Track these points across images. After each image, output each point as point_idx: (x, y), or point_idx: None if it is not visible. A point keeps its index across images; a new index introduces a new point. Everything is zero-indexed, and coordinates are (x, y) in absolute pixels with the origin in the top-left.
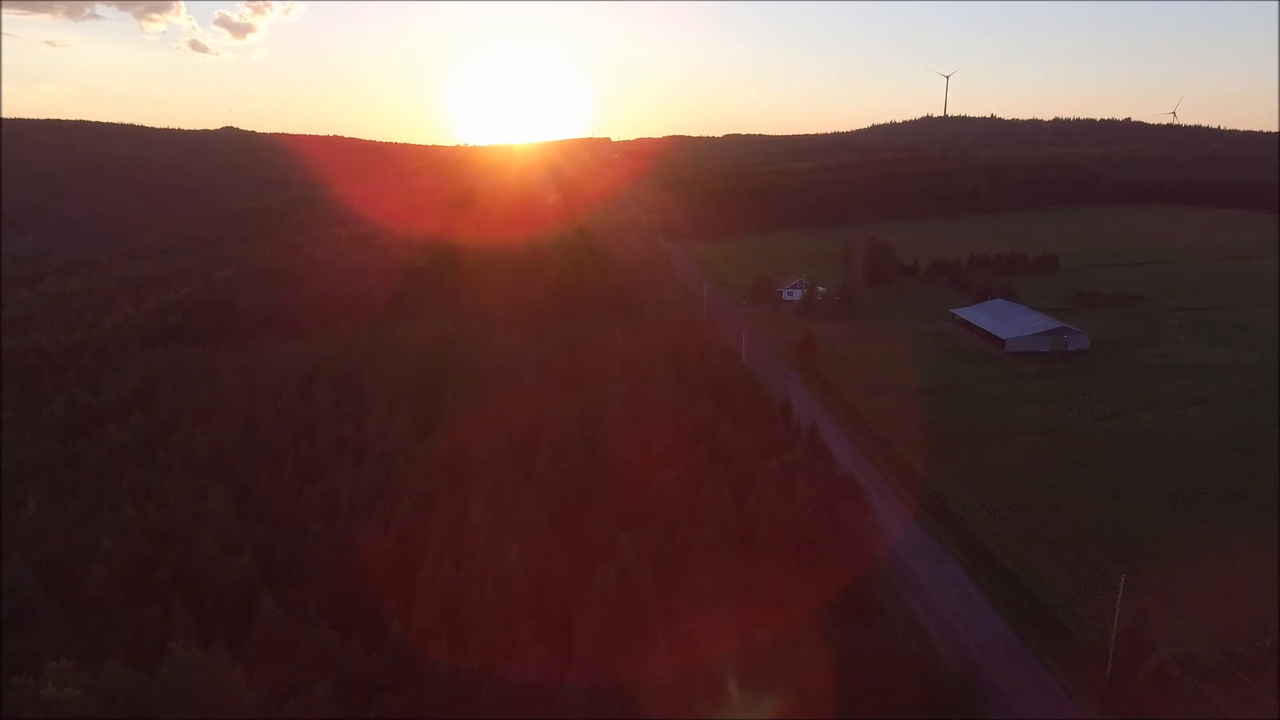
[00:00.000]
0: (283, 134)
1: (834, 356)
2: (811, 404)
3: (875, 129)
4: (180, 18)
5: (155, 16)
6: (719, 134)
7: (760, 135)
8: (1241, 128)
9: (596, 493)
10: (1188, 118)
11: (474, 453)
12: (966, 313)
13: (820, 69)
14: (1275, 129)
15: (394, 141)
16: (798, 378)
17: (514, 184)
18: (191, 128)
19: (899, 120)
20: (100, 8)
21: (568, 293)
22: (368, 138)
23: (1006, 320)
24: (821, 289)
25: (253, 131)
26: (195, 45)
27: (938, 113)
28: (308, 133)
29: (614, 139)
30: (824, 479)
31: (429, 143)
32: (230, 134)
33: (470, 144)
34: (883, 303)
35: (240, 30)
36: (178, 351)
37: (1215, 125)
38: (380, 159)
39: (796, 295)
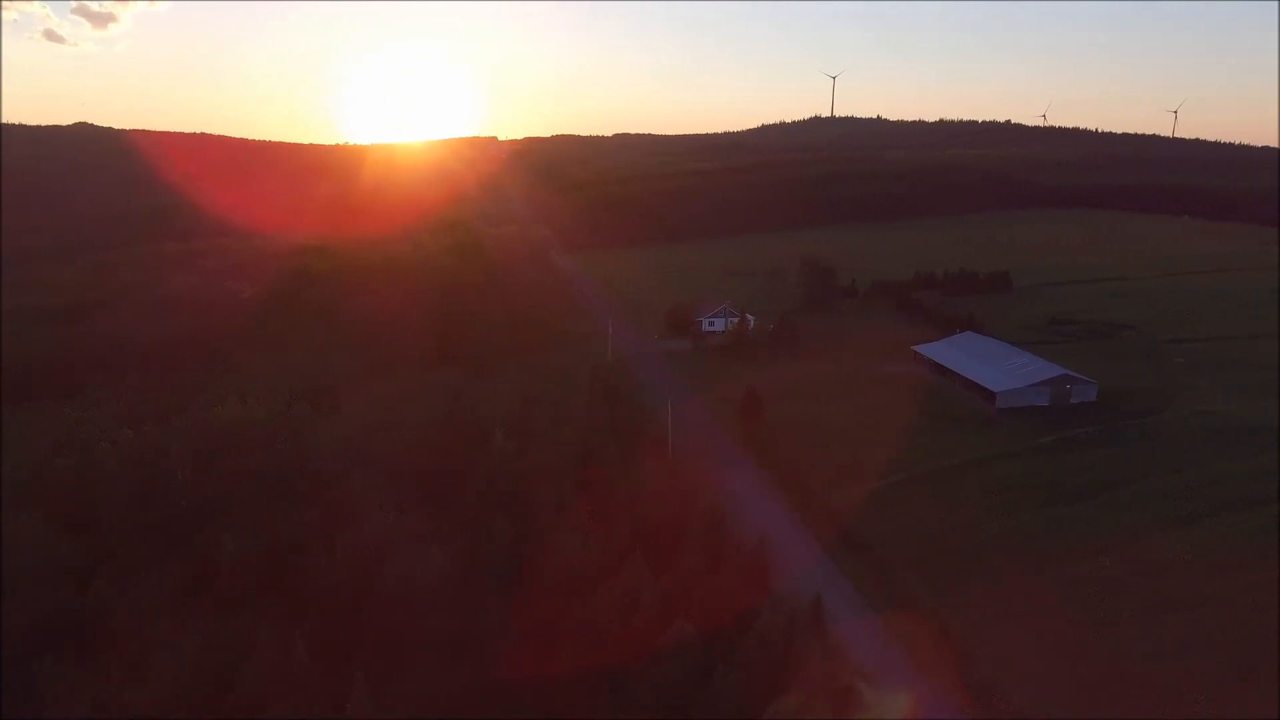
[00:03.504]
0: (144, 130)
1: (790, 423)
2: (783, 521)
3: (766, 128)
4: (34, 5)
5: (7, 4)
6: (608, 133)
7: (651, 135)
8: (1117, 130)
9: None
10: (1057, 120)
11: (250, 668)
12: (934, 351)
13: (706, 68)
14: (1148, 132)
15: (270, 140)
16: (750, 462)
17: (394, 187)
18: (39, 123)
19: (788, 120)
20: None
21: (446, 330)
22: (241, 135)
23: (989, 363)
24: (752, 317)
25: (110, 128)
26: (50, 35)
27: (825, 113)
28: (174, 130)
29: (501, 138)
30: None
31: (308, 141)
32: (84, 131)
33: (353, 142)
34: (826, 335)
35: (101, 20)
36: None
37: (1093, 128)
38: (253, 158)
39: (719, 326)
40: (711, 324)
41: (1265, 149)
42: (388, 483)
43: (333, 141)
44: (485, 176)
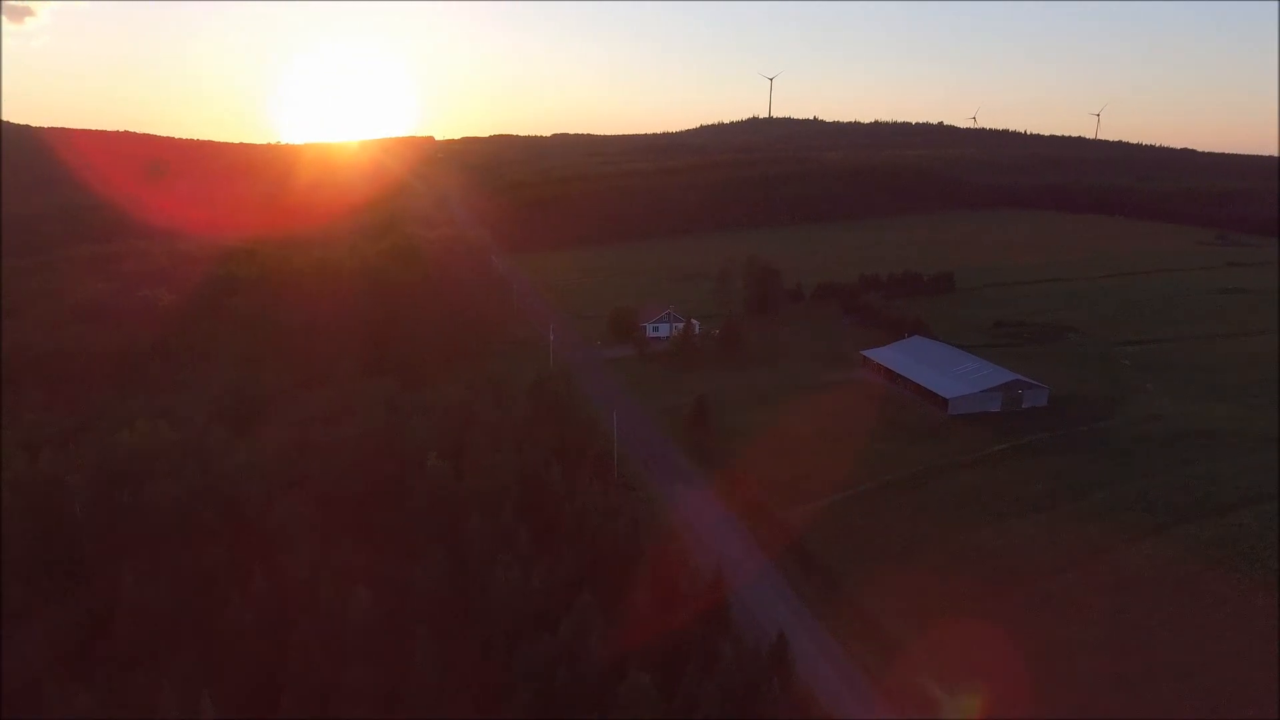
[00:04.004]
0: (63, 128)
1: (740, 433)
2: (738, 543)
3: (705, 129)
4: None
5: None
6: (547, 133)
7: (590, 135)
8: (1044, 131)
9: None
10: (986, 122)
11: None
12: (883, 356)
13: (643, 68)
14: (1073, 134)
15: (198, 138)
16: (701, 477)
17: (328, 187)
18: None
19: (727, 121)
20: None
21: (381, 339)
22: (167, 134)
23: (939, 369)
24: (697, 322)
25: (27, 126)
26: None
27: (763, 114)
28: (95, 128)
29: (438, 137)
30: None
31: (239, 140)
32: None
33: (286, 142)
34: (773, 340)
35: (18, 14)
36: None
37: (1021, 129)
38: (179, 157)
39: (664, 331)
40: (655, 329)
41: (1184, 151)
42: (313, 510)
43: (265, 141)
44: (422, 177)
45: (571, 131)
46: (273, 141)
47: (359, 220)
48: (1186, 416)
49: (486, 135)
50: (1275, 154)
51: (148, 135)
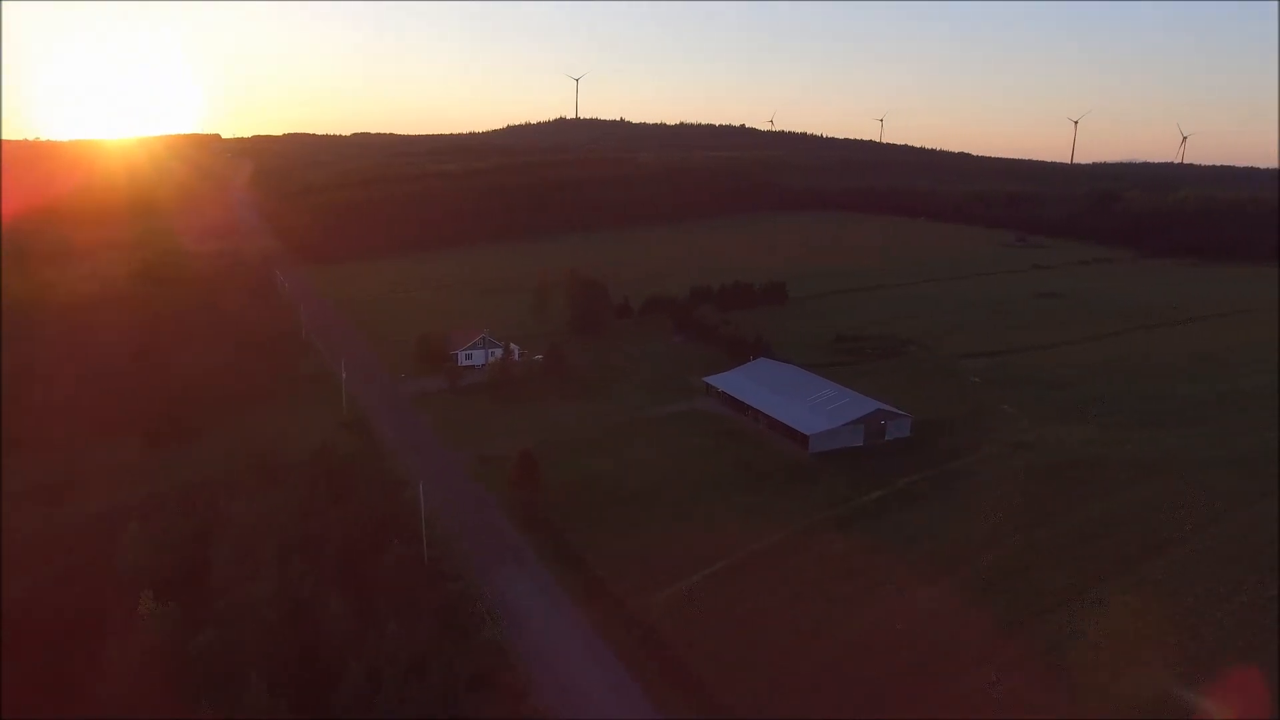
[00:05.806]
0: None
1: (574, 488)
2: (591, 660)
3: (511, 129)
4: None
5: None
6: (347, 132)
7: (392, 134)
8: (838, 135)
9: None
10: (783, 125)
11: None
12: (729, 383)
13: (447, 66)
14: (864, 137)
15: None
16: (532, 556)
17: (88, 192)
18: None
19: (533, 121)
20: None
21: (126, 385)
22: None
23: (794, 397)
24: (516, 347)
25: None
26: None
27: (570, 114)
28: None
29: (224, 135)
30: None
31: None
32: None
33: (45, 138)
34: (602, 365)
35: None
36: None
37: (817, 132)
38: None
39: (479, 359)
40: (469, 357)
41: (961, 155)
42: None
43: (16, 137)
44: (206, 178)
45: (373, 131)
46: (30, 138)
47: (113, 232)
48: (1053, 443)
49: (280, 134)
50: (1047, 159)
51: None
